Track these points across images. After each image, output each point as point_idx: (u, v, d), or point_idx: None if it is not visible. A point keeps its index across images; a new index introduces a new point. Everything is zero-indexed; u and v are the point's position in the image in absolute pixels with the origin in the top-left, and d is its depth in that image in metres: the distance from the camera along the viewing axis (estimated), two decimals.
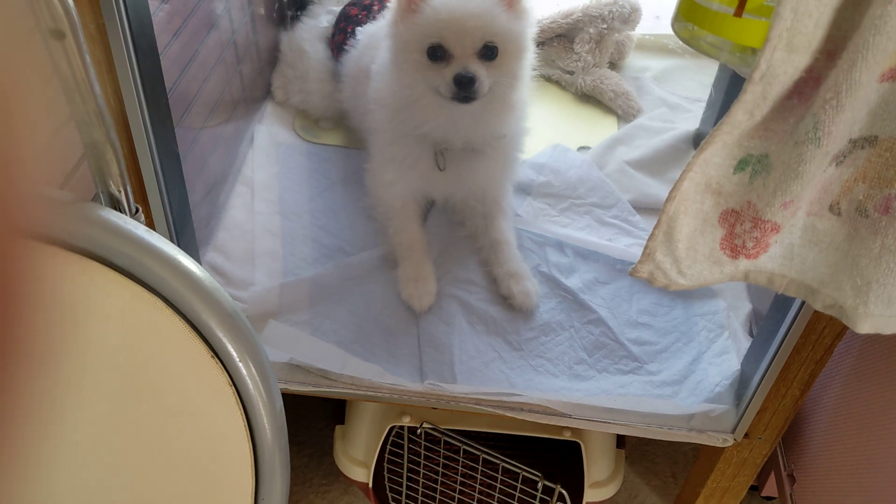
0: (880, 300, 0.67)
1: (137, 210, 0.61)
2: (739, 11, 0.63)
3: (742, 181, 0.66)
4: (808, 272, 0.71)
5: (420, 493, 1.19)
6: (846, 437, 1.04)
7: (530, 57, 1.12)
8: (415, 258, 1.19)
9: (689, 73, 1.69)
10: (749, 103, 0.60)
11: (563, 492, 1.09)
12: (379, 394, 1.06)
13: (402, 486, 1.19)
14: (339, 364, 1.06)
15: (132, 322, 0.56)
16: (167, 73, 0.89)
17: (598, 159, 1.42)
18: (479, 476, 1.14)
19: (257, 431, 0.63)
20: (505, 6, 1.05)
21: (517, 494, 1.12)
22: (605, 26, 1.60)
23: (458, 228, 1.28)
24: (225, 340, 0.60)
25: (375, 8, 1.36)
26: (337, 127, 1.49)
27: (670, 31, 1.80)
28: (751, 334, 1.16)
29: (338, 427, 1.24)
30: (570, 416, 1.04)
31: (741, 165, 0.65)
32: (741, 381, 1.06)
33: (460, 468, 1.15)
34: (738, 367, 1.08)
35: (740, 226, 0.67)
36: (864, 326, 0.68)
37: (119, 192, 0.59)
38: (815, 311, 0.88)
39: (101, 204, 0.60)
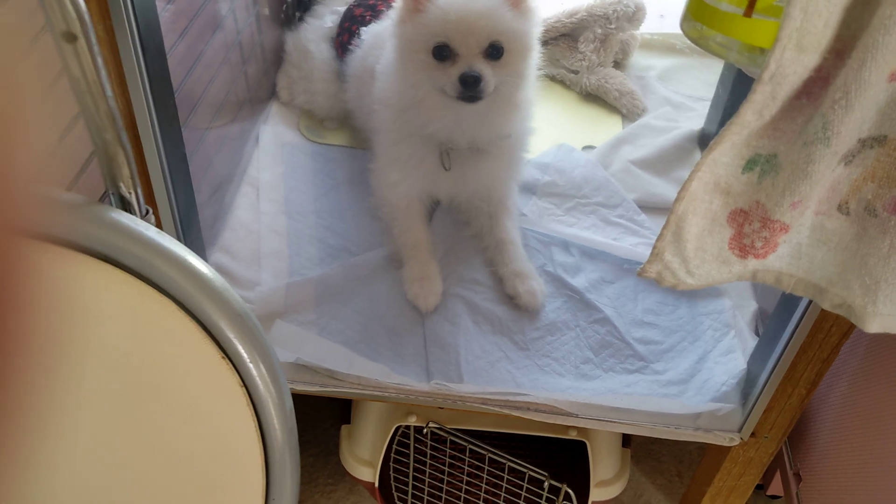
0: (889, 299, 0.67)
1: (148, 212, 0.61)
2: (749, 12, 0.63)
3: (751, 181, 0.66)
4: (816, 271, 0.71)
5: (426, 492, 1.20)
6: (853, 436, 1.04)
7: (536, 56, 1.12)
8: (420, 258, 1.19)
9: (693, 72, 1.69)
10: (758, 103, 0.60)
11: (570, 491, 1.09)
12: (385, 393, 1.06)
13: (407, 486, 1.19)
14: (346, 364, 1.06)
15: (143, 323, 0.57)
16: (173, 73, 0.90)
17: (602, 158, 1.42)
18: (484, 475, 1.14)
19: (268, 432, 0.63)
20: (510, 5, 1.05)
21: (523, 494, 1.12)
22: (610, 26, 1.60)
23: (464, 228, 1.28)
24: (235, 341, 0.60)
25: (380, 7, 1.36)
26: (342, 127, 1.50)
27: (674, 30, 1.80)
28: (756, 333, 1.16)
29: (344, 427, 1.24)
30: (576, 416, 1.04)
31: (750, 165, 0.65)
32: (747, 380, 1.06)
33: (466, 467, 1.15)
34: (745, 366, 1.08)
35: (749, 225, 0.67)
36: (873, 325, 0.68)
37: (130, 193, 0.59)
38: (822, 310, 0.88)
39: (112, 206, 0.60)
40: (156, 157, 0.84)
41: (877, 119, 0.61)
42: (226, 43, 1.26)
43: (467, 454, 1.12)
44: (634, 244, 1.27)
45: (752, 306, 1.20)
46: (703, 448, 1.34)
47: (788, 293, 0.74)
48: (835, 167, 0.64)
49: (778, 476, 1.25)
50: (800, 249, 0.70)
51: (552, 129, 1.48)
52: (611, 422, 1.05)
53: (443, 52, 1.05)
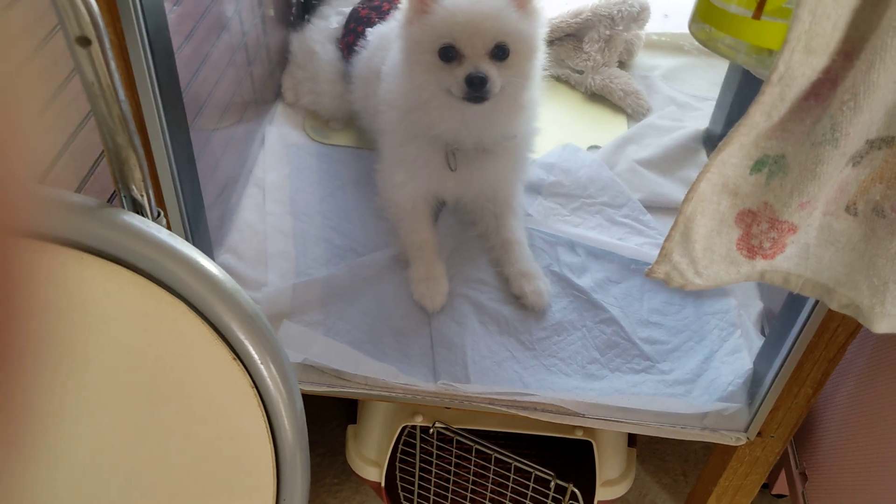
0: None
1: (159, 214, 0.62)
2: (758, 14, 0.63)
3: (759, 182, 0.66)
4: (824, 272, 0.71)
5: (432, 492, 1.20)
6: (859, 436, 1.05)
7: (541, 57, 1.13)
8: (426, 258, 1.19)
9: (697, 72, 1.69)
10: (767, 105, 0.60)
11: (576, 490, 1.10)
12: (392, 394, 1.06)
13: (414, 486, 1.20)
14: (354, 364, 1.06)
15: (156, 325, 0.57)
16: (179, 75, 0.90)
17: (608, 158, 1.42)
18: (490, 475, 1.14)
19: (279, 432, 0.64)
20: (516, 6, 1.05)
21: (529, 493, 1.13)
22: (616, 26, 1.60)
23: (470, 228, 1.29)
24: (246, 342, 0.61)
25: (385, 8, 1.36)
26: (347, 128, 1.50)
27: (679, 30, 1.80)
28: (762, 333, 1.16)
29: (350, 427, 1.24)
30: (583, 416, 1.05)
31: (758, 166, 0.66)
32: (754, 380, 1.06)
33: (472, 467, 1.15)
34: (751, 365, 1.08)
35: (757, 226, 0.67)
36: (881, 326, 0.68)
37: (142, 196, 0.59)
38: (829, 310, 0.88)
39: (124, 208, 0.61)
40: (165, 160, 0.85)
41: (885, 120, 0.62)
42: (231, 44, 1.26)
43: (473, 454, 1.12)
44: (640, 244, 1.28)
45: (757, 306, 1.20)
46: (709, 447, 1.34)
47: (795, 293, 0.74)
48: (843, 168, 0.64)
49: (783, 475, 1.25)
50: (808, 250, 0.70)
51: (557, 129, 1.48)
52: (617, 422, 1.05)
53: (449, 53, 1.06)
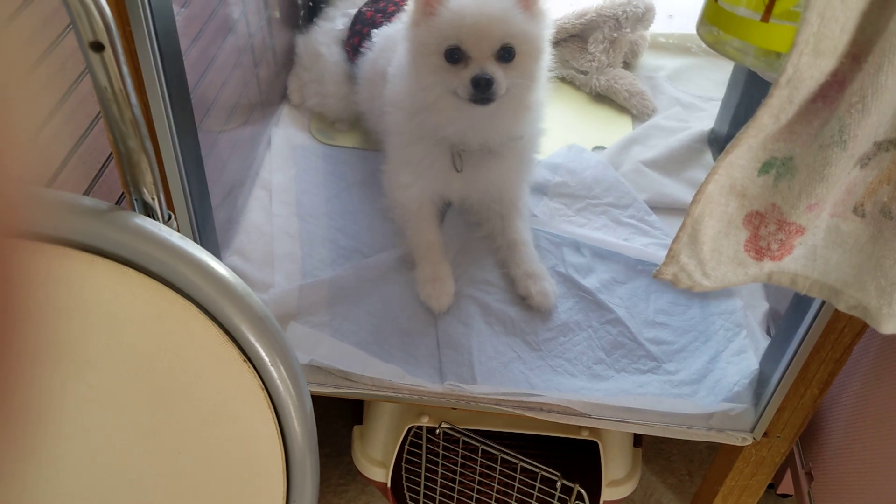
0: None
1: (170, 217, 0.62)
2: (766, 16, 0.64)
3: (766, 183, 0.66)
4: (831, 273, 0.71)
5: (438, 492, 1.20)
6: (865, 436, 1.05)
7: (547, 58, 1.13)
8: (432, 259, 1.19)
9: (702, 72, 1.69)
10: (775, 107, 0.60)
11: (582, 490, 1.10)
12: (399, 394, 1.07)
13: (419, 486, 1.20)
14: (360, 365, 1.07)
15: (167, 328, 0.57)
16: (187, 77, 0.90)
17: (613, 159, 1.43)
18: (497, 476, 1.14)
19: (288, 434, 0.64)
20: (522, 8, 1.06)
21: (535, 493, 1.13)
22: (623, 27, 1.60)
23: (475, 229, 1.29)
24: (256, 344, 0.61)
25: (390, 10, 1.36)
26: (353, 129, 1.50)
27: (684, 30, 1.80)
28: (768, 333, 1.16)
29: (356, 427, 1.25)
30: (589, 416, 1.05)
31: (766, 168, 0.66)
32: (760, 380, 1.06)
33: (478, 468, 1.15)
34: (757, 366, 1.08)
35: (765, 228, 0.68)
36: (889, 327, 0.69)
37: (153, 199, 0.60)
38: (835, 310, 0.88)
39: (136, 211, 0.61)
40: (173, 162, 0.85)
41: (893, 122, 0.62)
42: (238, 46, 1.27)
43: (479, 454, 1.13)
44: (645, 244, 1.28)
45: (763, 306, 1.20)
46: (714, 447, 1.34)
47: (803, 294, 0.74)
48: (851, 170, 0.64)
49: (788, 475, 1.25)
50: (815, 251, 0.70)
51: (562, 130, 1.49)
52: (623, 422, 1.05)
53: (455, 55, 1.06)
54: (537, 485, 1.11)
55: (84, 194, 0.91)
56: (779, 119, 0.62)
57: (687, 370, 1.11)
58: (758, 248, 0.69)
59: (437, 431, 1.12)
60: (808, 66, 0.58)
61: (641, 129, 1.50)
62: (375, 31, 1.34)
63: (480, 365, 1.09)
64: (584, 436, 1.11)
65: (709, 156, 1.45)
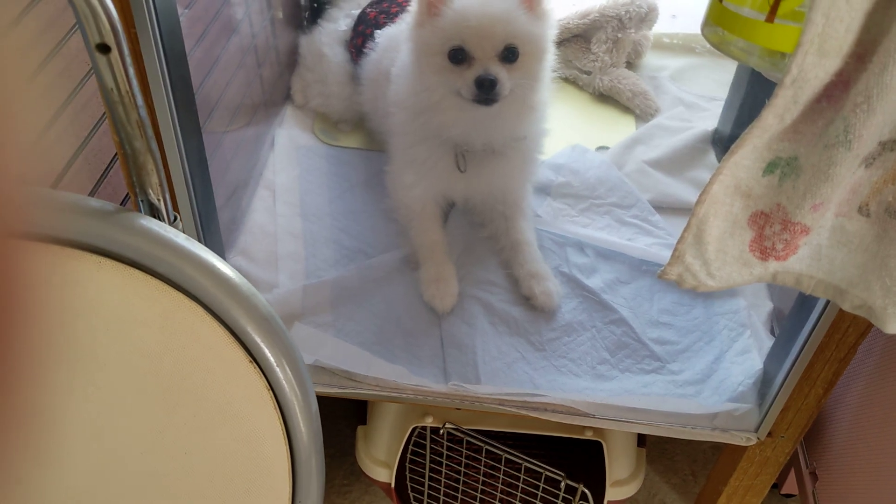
0: None
1: (176, 218, 0.62)
2: (771, 17, 0.64)
3: (771, 183, 0.66)
4: (836, 273, 0.71)
5: (442, 493, 1.20)
6: (869, 435, 1.05)
7: (551, 59, 1.13)
8: (436, 259, 1.19)
9: (705, 72, 1.69)
10: (780, 107, 0.60)
11: (586, 491, 1.10)
12: (403, 395, 1.07)
13: (423, 487, 1.20)
14: (364, 366, 1.07)
15: (173, 329, 0.57)
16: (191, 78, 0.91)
17: (616, 159, 1.43)
18: (501, 476, 1.15)
19: (294, 434, 0.64)
20: (525, 8, 1.06)
21: (539, 494, 1.13)
22: (626, 27, 1.60)
23: (479, 229, 1.29)
24: (262, 345, 0.61)
25: (393, 10, 1.37)
26: (356, 129, 1.50)
27: (686, 30, 1.80)
28: (772, 333, 1.16)
29: (360, 427, 1.25)
30: (593, 416, 1.05)
31: (770, 168, 0.66)
32: (764, 380, 1.06)
33: (482, 468, 1.15)
34: (761, 365, 1.08)
35: (770, 228, 0.68)
36: (894, 326, 0.69)
37: (159, 200, 0.60)
38: (840, 310, 0.88)
39: (141, 212, 0.61)
40: (178, 163, 0.85)
41: None
42: (241, 47, 1.27)
43: (483, 454, 1.13)
44: (649, 244, 1.28)
45: (767, 306, 1.20)
46: (718, 447, 1.34)
47: (807, 294, 0.74)
48: (855, 170, 0.64)
49: (792, 475, 1.25)
50: (820, 251, 0.70)
51: (566, 130, 1.49)
52: (627, 422, 1.05)
53: (458, 56, 1.06)
54: (541, 485, 1.11)
55: (89, 195, 0.91)
56: (783, 119, 0.62)
57: (691, 370, 1.11)
58: (763, 248, 0.69)
59: (441, 432, 1.13)
60: (813, 67, 0.58)
61: (645, 129, 1.50)
62: (379, 31, 1.34)
63: (484, 365, 1.09)
64: (588, 436, 1.12)
65: (712, 156, 1.45)
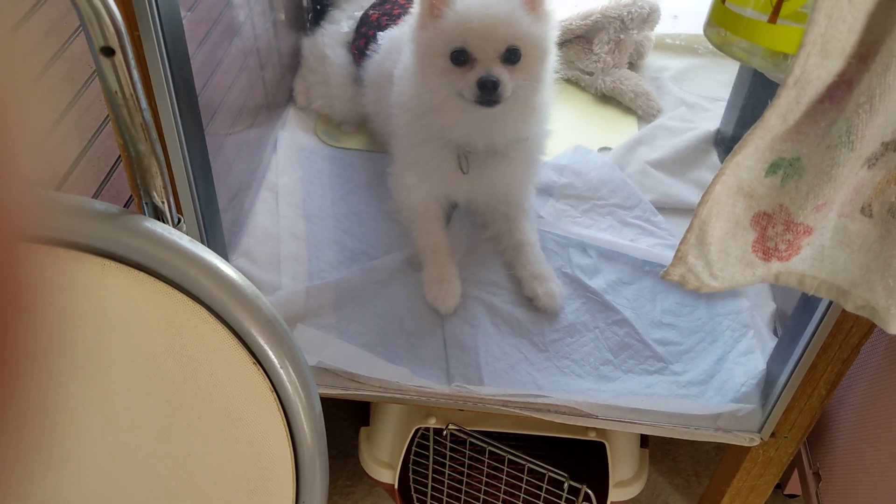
0: None
1: (179, 220, 0.62)
2: (774, 18, 0.64)
3: (774, 184, 0.66)
4: (839, 273, 0.71)
5: (445, 494, 1.20)
6: (873, 436, 1.05)
7: (553, 60, 1.13)
8: (439, 261, 1.19)
9: (707, 73, 1.69)
10: (782, 108, 0.60)
11: (589, 491, 1.10)
12: (406, 396, 1.07)
13: (427, 488, 1.20)
14: (368, 367, 1.07)
15: (177, 331, 0.58)
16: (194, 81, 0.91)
17: (619, 160, 1.43)
18: (504, 477, 1.15)
19: (298, 436, 0.64)
20: (527, 10, 1.06)
21: (542, 494, 1.13)
22: (628, 28, 1.60)
23: (482, 230, 1.29)
24: (266, 347, 0.61)
25: (396, 12, 1.37)
26: (359, 131, 1.51)
27: (689, 31, 1.80)
28: (775, 333, 1.16)
29: (363, 429, 1.25)
30: (596, 417, 1.05)
31: (773, 168, 0.66)
32: (767, 381, 1.06)
33: (485, 469, 1.16)
34: (764, 366, 1.08)
35: (772, 228, 0.68)
36: None
37: (163, 203, 0.60)
38: (843, 311, 0.88)
39: (146, 215, 0.61)
40: (181, 165, 0.85)
41: None
42: (244, 49, 1.27)
43: (486, 455, 1.13)
44: (652, 245, 1.28)
45: (770, 306, 1.20)
46: (721, 448, 1.34)
47: (810, 294, 0.74)
48: (858, 170, 0.64)
49: (796, 475, 1.25)
50: (823, 252, 0.70)
51: (568, 131, 1.49)
52: (631, 423, 1.05)
53: (461, 57, 1.06)
54: (544, 486, 1.11)
55: (93, 197, 0.92)
56: (786, 120, 0.62)
57: (694, 371, 1.11)
58: (765, 249, 0.69)
59: (445, 433, 1.13)
60: (816, 67, 0.58)
61: (647, 130, 1.50)
62: (381, 33, 1.34)
63: (487, 366, 1.09)
64: (591, 437, 1.12)
65: (714, 156, 1.45)
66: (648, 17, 1.62)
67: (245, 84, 1.28)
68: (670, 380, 1.10)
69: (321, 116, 1.52)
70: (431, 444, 1.15)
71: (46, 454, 0.56)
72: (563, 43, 1.65)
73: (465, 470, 1.17)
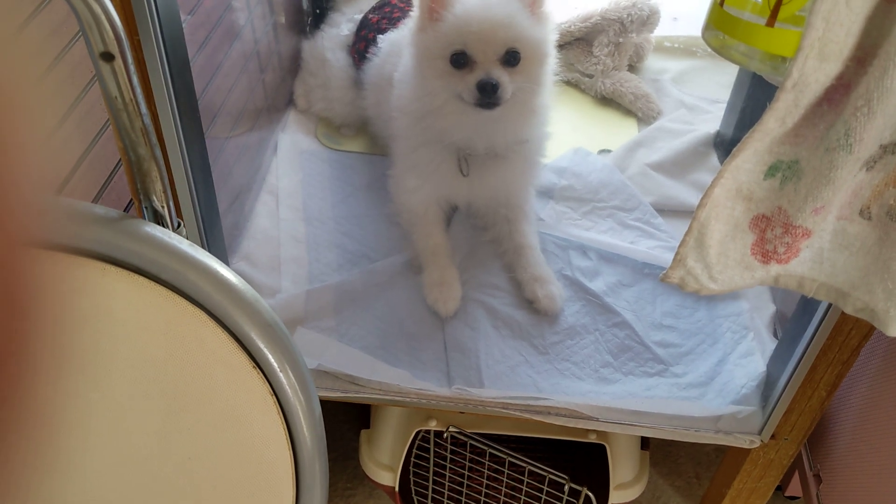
0: None
1: (179, 224, 0.63)
2: (771, 21, 0.64)
3: (773, 187, 0.66)
4: (838, 276, 0.71)
5: (446, 496, 1.20)
6: (873, 437, 1.05)
7: (552, 62, 1.13)
8: (439, 263, 1.20)
9: (707, 75, 1.70)
10: (781, 111, 0.61)
11: (590, 494, 1.10)
12: (407, 399, 1.07)
13: (427, 490, 1.20)
14: (368, 370, 1.07)
15: (178, 335, 0.58)
16: (194, 84, 0.91)
17: (619, 162, 1.43)
18: (504, 479, 1.15)
19: (298, 439, 0.64)
20: (527, 12, 1.06)
21: (543, 497, 1.13)
22: (628, 30, 1.61)
23: (482, 233, 1.29)
24: (266, 350, 0.62)
25: (395, 15, 1.37)
26: (359, 134, 1.51)
27: (689, 33, 1.80)
28: (775, 335, 1.16)
29: (363, 431, 1.25)
30: (597, 420, 1.05)
31: (772, 171, 0.66)
32: (767, 383, 1.06)
33: (486, 471, 1.16)
34: (764, 368, 1.08)
35: (771, 231, 0.68)
36: None
37: (163, 207, 0.60)
38: (842, 313, 0.88)
39: (146, 219, 0.62)
40: (181, 169, 0.85)
41: None
42: (244, 52, 1.27)
43: (487, 458, 1.13)
44: (652, 247, 1.28)
45: (770, 309, 1.20)
46: (721, 450, 1.34)
47: (809, 297, 0.74)
48: (856, 173, 0.64)
49: (797, 477, 1.25)
50: (822, 254, 0.70)
51: (568, 133, 1.49)
52: (631, 425, 1.05)
53: (460, 60, 1.06)
54: (545, 488, 1.11)
55: (93, 201, 0.92)
56: (784, 123, 0.62)
57: (694, 373, 1.11)
58: (764, 252, 0.69)
59: (445, 435, 1.13)
60: (814, 71, 0.58)
61: (647, 132, 1.50)
62: (381, 36, 1.34)
63: (488, 368, 1.09)
64: (592, 439, 1.12)
65: (714, 158, 1.45)
66: (648, 20, 1.62)
67: (245, 87, 1.28)
68: (670, 382, 1.10)
69: (321, 119, 1.52)
70: (432, 446, 1.15)
71: (49, 457, 0.56)
72: (563, 45, 1.65)
73: (466, 472, 1.17)
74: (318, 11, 1.61)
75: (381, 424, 1.20)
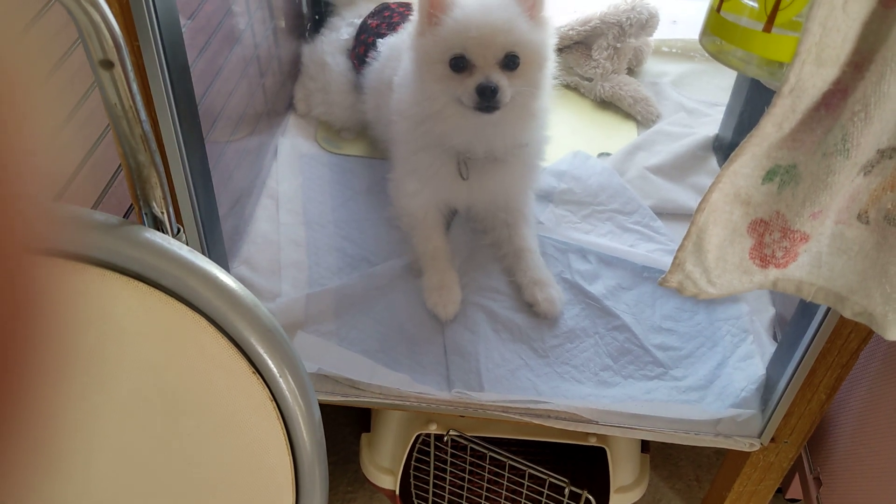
0: None
1: (179, 230, 0.63)
2: (769, 27, 0.64)
3: (770, 191, 0.67)
4: (836, 280, 0.71)
5: (446, 499, 1.21)
6: (873, 440, 1.05)
7: (551, 66, 1.13)
8: (439, 267, 1.20)
9: (706, 78, 1.70)
10: (778, 116, 0.61)
11: (590, 497, 1.10)
12: (407, 402, 1.07)
13: (428, 493, 1.20)
14: (368, 374, 1.07)
15: (177, 340, 0.58)
16: (194, 89, 0.91)
17: (618, 165, 1.43)
18: (505, 482, 1.15)
19: (297, 444, 0.65)
20: (526, 16, 1.06)
21: (543, 500, 1.13)
22: (626, 34, 1.61)
23: (482, 237, 1.29)
24: (265, 356, 0.62)
25: (395, 20, 1.37)
26: (359, 138, 1.51)
27: (687, 36, 1.80)
28: (775, 338, 1.16)
29: (364, 435, 1.25)
30: (596, 423, 1.05)
31: (770, 176, 0.66)
32: (767, 386, 1.06)
33: (486, 475, 1.16)
34: (764, 371, 1.08)
35: (769, 235, 0.68)
36: (895, 333, 0.69)
37: (162, 213, 0.60)
38: (842, 316, 0.88)
39: (145, 225, 0.62)
40: (181, 175, 0.86)
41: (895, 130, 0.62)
42: (244, 57, 1.28)
43: (487, 461, 1.13)
44: (651, 250, 1.28)
45: (769, 312, 1.20)
46: (722, 452, 1.34)
47: (808, 301, 0.75)
48: (854, 177, 0.65)
49: (797, 480, 1.25)
50: (820, 258, 0.70)
51: (567, 136, 1.49)
52: (631, 428, 1.05)
53: (460, 64, 1.07)
54: (545, 491, 1.11)
55: (93, 207, 0.92)
56: (782, 128, 0.62)
57: (694, 376, 1.11)
58: (763, 256, 0.69)
59: (445, 439, 1.13)
60: (811, 76, 0.59)
61: (646, 136, 1.51)
62: (381, 40, 1.35)
63: (488, 372, 1.09)
64: (592, 442, 1.12)
65: (713, 161, 1.45)
66: (647, 23, 1.63)
67: (245, 92, 1.29)
68: (670, 385, 1.10)
69: (321, 123, 1.53)
70: (432, 449, 1.15)
71: (50, 460, 0.56)
72: (562, 49, 1.65)
73: (466, 476, 1.17)
74: (317, 16, 1.62)
75: (382, 428, 1.20)
